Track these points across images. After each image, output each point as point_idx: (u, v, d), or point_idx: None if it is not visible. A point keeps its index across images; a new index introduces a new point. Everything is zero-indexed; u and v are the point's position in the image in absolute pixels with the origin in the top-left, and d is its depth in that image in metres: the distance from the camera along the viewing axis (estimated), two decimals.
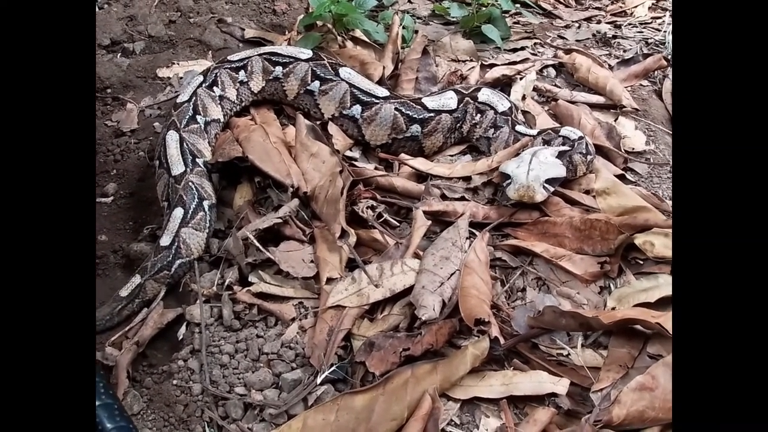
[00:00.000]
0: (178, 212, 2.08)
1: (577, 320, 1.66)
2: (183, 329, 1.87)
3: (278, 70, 2.56)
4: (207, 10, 3.34)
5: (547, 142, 2.30)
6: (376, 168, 2.35)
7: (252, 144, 2.29)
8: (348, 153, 2.41)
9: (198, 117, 2.41)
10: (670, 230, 1.86)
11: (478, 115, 2.45)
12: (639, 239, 1.88)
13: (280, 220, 2.05)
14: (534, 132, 2.37)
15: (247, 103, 2.62)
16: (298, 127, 2.37)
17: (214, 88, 2.51)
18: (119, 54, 3.12)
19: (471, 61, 2.96)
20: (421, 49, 2.86)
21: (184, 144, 2.29)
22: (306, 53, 2.58)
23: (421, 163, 2.32)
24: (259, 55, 2.61)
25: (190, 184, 2.15)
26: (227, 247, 2.02)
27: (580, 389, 1.63)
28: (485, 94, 2.48)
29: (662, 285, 1.79)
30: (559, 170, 2.10)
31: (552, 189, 2.07)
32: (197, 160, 2.27)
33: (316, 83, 2.50)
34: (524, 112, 2.60)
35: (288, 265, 1.95)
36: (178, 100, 2.45)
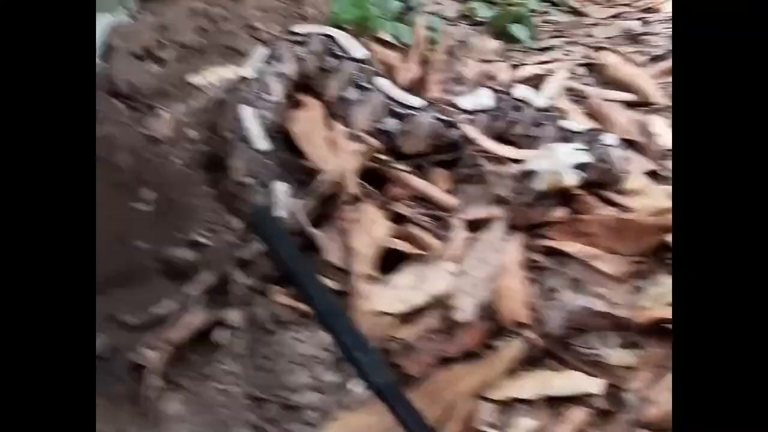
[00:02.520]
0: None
1: (611, 320, 1.67)
2: (221, 332, 1.87)
3: (331, 61, 2.49)
4: (237, 17, 3.37)
5: (588, 143, 2.25)
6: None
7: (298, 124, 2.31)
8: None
9: (263, 94, 2.38)
10: None
11: (516, 112, 2.42)
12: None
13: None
14: (578, 128, 2.35)
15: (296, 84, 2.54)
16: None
17: (276, 63, 2.48)
18: (151, 62, 3.16)
19: (500, 61, 2.96)
20: (448, 51, 2.86)
21: (260, 120, 2.25)
22: (360, 51, 2.48)
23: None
24: (321, 35, 2.53)
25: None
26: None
27: (615, 389, 1.63)
28: (520, 91, 2.45)
29: None
30: (584, 157, 2.08)
31: (582, 174, 2.05)
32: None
33: (354, 91, 2.41)
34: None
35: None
36: (246, 75, 2.42)
